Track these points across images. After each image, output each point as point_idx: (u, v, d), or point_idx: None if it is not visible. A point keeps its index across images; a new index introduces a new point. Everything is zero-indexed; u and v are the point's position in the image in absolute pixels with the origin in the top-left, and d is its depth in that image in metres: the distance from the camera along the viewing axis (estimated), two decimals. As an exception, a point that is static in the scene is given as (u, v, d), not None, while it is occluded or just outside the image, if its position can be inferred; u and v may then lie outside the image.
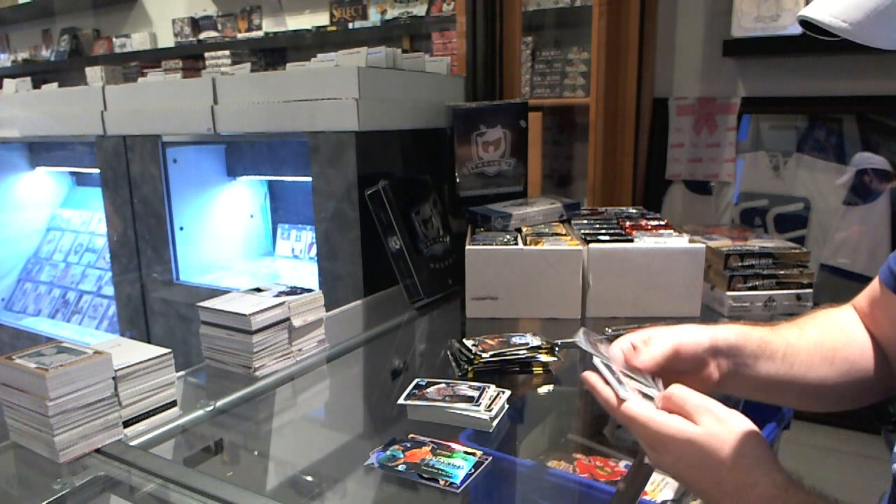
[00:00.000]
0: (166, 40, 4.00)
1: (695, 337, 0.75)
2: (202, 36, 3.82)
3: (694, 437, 0.63)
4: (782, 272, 1.39)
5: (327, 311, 1.22)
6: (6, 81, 2.36)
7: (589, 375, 0.71)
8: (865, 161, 1.83)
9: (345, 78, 1.51)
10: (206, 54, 3.66)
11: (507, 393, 0.98)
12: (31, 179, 2.69)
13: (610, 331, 1.25)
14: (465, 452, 0.84)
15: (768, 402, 0.85)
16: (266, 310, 1.08)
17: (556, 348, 1.15)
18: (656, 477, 1.12)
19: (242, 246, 2.26)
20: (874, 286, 0.86)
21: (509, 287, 1.38)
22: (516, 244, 1.40)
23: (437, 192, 1.64)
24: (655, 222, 1.52)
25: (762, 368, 0.79)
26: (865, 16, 0.53)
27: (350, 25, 3.36)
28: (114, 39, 4.17)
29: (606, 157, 2.06)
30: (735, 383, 0.78)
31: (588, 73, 2.43)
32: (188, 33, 3.85)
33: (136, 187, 1.99)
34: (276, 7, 3.72)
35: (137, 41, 4.06)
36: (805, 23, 0.57)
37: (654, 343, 0.74)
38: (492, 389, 0.98)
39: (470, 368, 1.10)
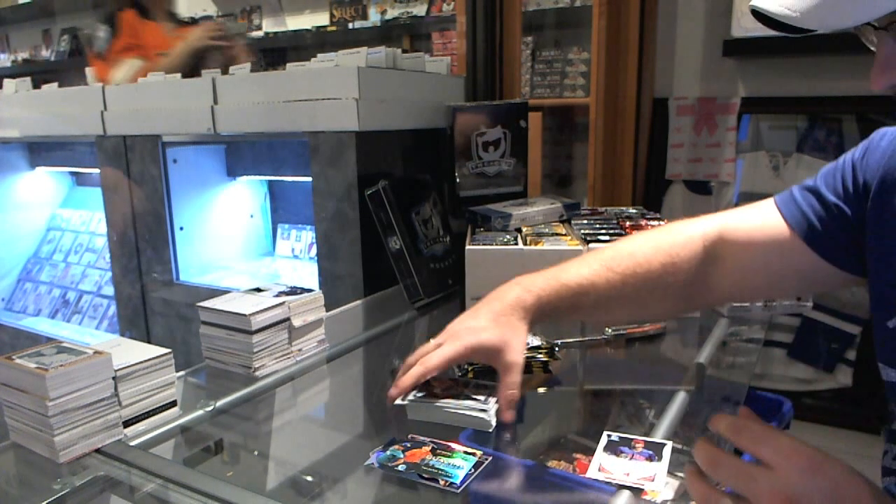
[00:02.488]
0: (166, 40, 3.99)
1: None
2: (202, 36, 3.81)
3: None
4: (782, 272, 1.39)
5: (327, 311, 1.22)
6: (6, 81, 2.36)
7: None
8: None
9: (345, 78, 1.51)
10: (207, 54, 3.66)
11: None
12: (31, 179, 2.69)
13: (610, 331, 1.26)
14: (465, 452, 0.84)
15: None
16: (266, 310, 1.08)
17: (556, 348, 1.15)
18: (656, 477, 1.12)
19: (242, 246, 2.26)
20: (770, 216, 0.88)
21: (509, 287, 1.37)
22: (516, 244, 1.40)
23: (437, 192, 1.64)
24: (655, 222, 1.52)
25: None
26: (814, 4, 0.56)
27: (350, 25, 3.36)
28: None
29: (606, 157, 2.07)
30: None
31: (588, 73, 2.44)
32: (188, 33, 3.85)
33: (136, 187, 1.99)
34: (276, 7, 3.72)
35: (137, 41, 4.05)
36: (756, 13, 0.60)
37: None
38: (492, 389, 0.98)
39: (470, 368, 1.09)
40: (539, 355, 1.12)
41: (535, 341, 1.14)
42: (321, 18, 3.52)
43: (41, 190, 2.75)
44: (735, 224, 0.91)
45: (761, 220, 0.88)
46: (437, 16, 3.09)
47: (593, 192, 2.08)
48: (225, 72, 1.79)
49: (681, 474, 1.08)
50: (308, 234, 2.22)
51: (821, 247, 0.83)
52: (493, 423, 0.92)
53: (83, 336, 2.36)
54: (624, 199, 2.09)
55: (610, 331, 1.26)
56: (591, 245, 1.37)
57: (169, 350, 0.94)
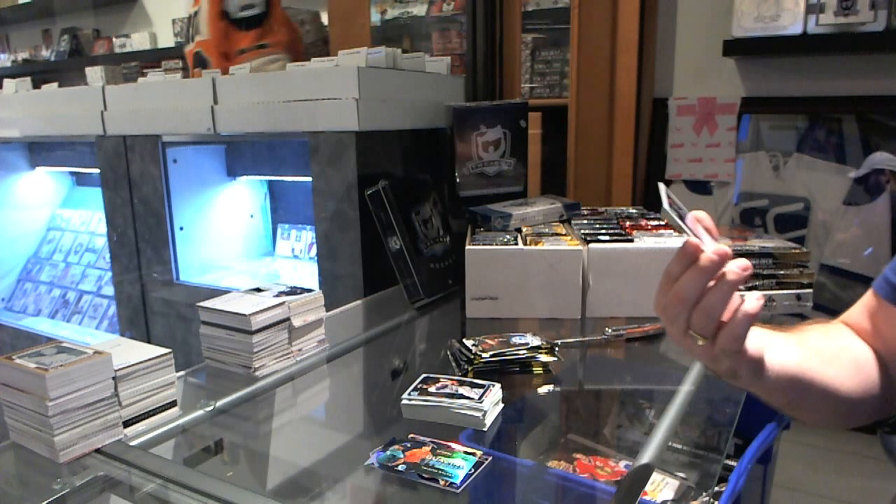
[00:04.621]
0: (166, 40, 4.00)
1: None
2: (202, 36, 3.81)
3: None
4: (782, 272, 1.39)
5: (327, 311, 1.22)
6: (6, 81, 2.36)
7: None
8: (885, 161, 1.82)
9: (345, 78, 1.51)
10: (207, 54, 3.66)
11: (498, 386, 0.98)
12: (31, 179, 2.69)
13: (610, 331, 1.26)
14: (465, 452, 0.84)
15: (788, 403, 0.77)
16: (266, 310, 1.08)
17: (556, 348, 1.15)
18: (656, 477, 1.12)
19: (242, 246, 2.26)
20: (870, 302, 0.83)
21: (509, 287, 1.38)
22: (516, 244, 1.40)
23: (437, 192, 1.64)
24: (655, 222, 1.52)
25: (787, 354, 0.73)
26: None
27: (350, 25, 3.35)
28: (114, 39, 4.17)
29: (605, 157, 2.07)
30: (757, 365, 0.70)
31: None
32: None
33: (136, 187, 1.99)
34: (276, 7, 3.71)
35: (137, 41, 4.06)
36: None
37: None
38: (491, 388, 0.98)
39: (470, 368, 1.10)
40: (539, 355, 1.12)
41: (536, 341, 1.14)
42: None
43: (41, 190, 2.75)
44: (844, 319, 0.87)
45: (861, 307, 0.85)
46: (437, 16, 3.09)
47: (574, 191, 2.09)
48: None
49: (681, 474, 1.08)
50: (308, 234, 2.22)
51: None
52: (488, 422, 0.92)
53: (83, 336, 2.36)
54: (623, 199, 2.09)
55: (610, 331, 1.26)
56: (591, 245, 1.37)
57: (169, 350, 0.94)
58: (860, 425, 0.83)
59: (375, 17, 3.31)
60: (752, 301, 0.64)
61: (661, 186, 0.68)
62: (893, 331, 0.80)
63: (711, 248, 0.63)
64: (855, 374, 0.79)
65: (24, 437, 0.85)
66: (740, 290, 0.64)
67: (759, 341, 0.69)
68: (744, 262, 0.64)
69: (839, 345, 0.82)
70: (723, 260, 0.62)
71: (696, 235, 0.65)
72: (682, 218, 0.66)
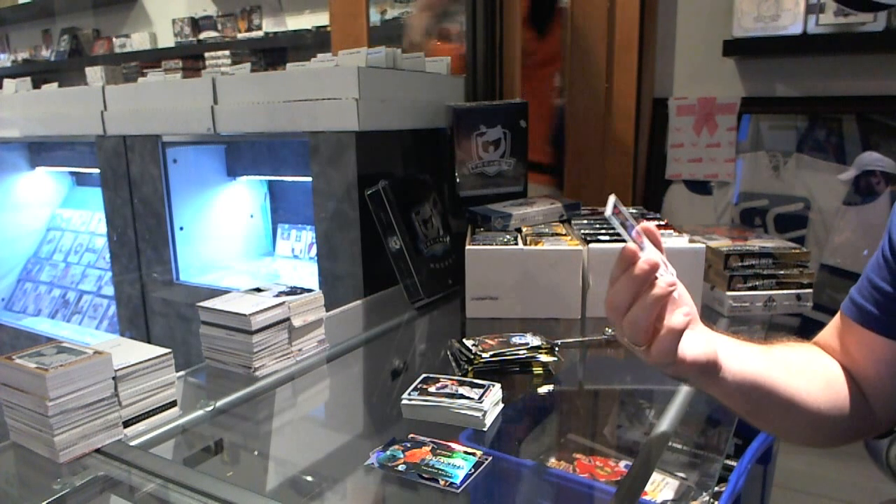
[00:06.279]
0: (166, 40, 4.00)
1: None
2: (202, 36, 3.82)
3: None
4: (782, 272, 1.39)
5: (327, 311, 1.22)
6: (6, 81, 2.36)
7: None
8: (874, 162, 1.82)
9: (345, 78, 1.51)
10: (206, 54, 3.67)
11: (498, 386, 0.98)
12: (31, 179, 2.69)
13: (610, 331, 1.26)
14: (465, 452, 0.84)
15: (750, 411, 0.77)
16: (266, 310, 1.08)
17: (556, 348, 1.15)
18: (656, 477, 1.12)
19: (242, 246, 2.27)
20: (839, 323, 0.84)
21: (509, 287, 1.38)
22: (516, 244, 1.40)
23: (437, 192, 1.64)
24: (655, 222, 1.52)
25: (748, 359, 0.74)
26: None
27: (350, 25, 3.35)
28: (114, 39, 4.17)
29: (603, 156, 2.07)
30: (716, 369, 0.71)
31: (588, 73, 2.43)
32: (188, 33, 3.85)
33: (136, 187, 1.99)
34: (276, 7, 3.72)
35: (137, 41, 4.06)
36: None
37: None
38: (491, 388, 0.98)
39: (470, 368, 1.10)
40: (539, 355, 1.12)
41: (536, 341, 1.14)
42: (321, 18, 3.52)
43: (41, 190, 2.75)
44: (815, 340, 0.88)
45: (831, 329, 0.86)
46: (437, 16, 3.09)
47: (571, 191, 2.09)
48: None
49: (681, 474, 1.08)
50: (308, 234, 2.22)
51: (881, 327, 0.79)
52: (488, 422, 0.92)
53: (83, 336, 2.36)
54: (624, 199, 2.08)
55: (610, 331, 1.26)
56: (591, 245, 1.37)
57: (169, 350, 0.94)
58: (837, 445, 0.82)
59: (375, 17, 3.31)
60: (679, 316, 0.65)
61: (612, 197, 0.69)
62: (862, 351, 0.81)
63: (644, 256, 0.63)
64: (825, 389, 0.79)
65: (24, 437, 0.85)
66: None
67: (709, 346, 0.69)
68: (671, 279, 0.64)
69: (807, 359, 0.82)
70: (652, 269, 0.63)
71: (638, 245, 0.66)
72: (626, 227, 0.67)
